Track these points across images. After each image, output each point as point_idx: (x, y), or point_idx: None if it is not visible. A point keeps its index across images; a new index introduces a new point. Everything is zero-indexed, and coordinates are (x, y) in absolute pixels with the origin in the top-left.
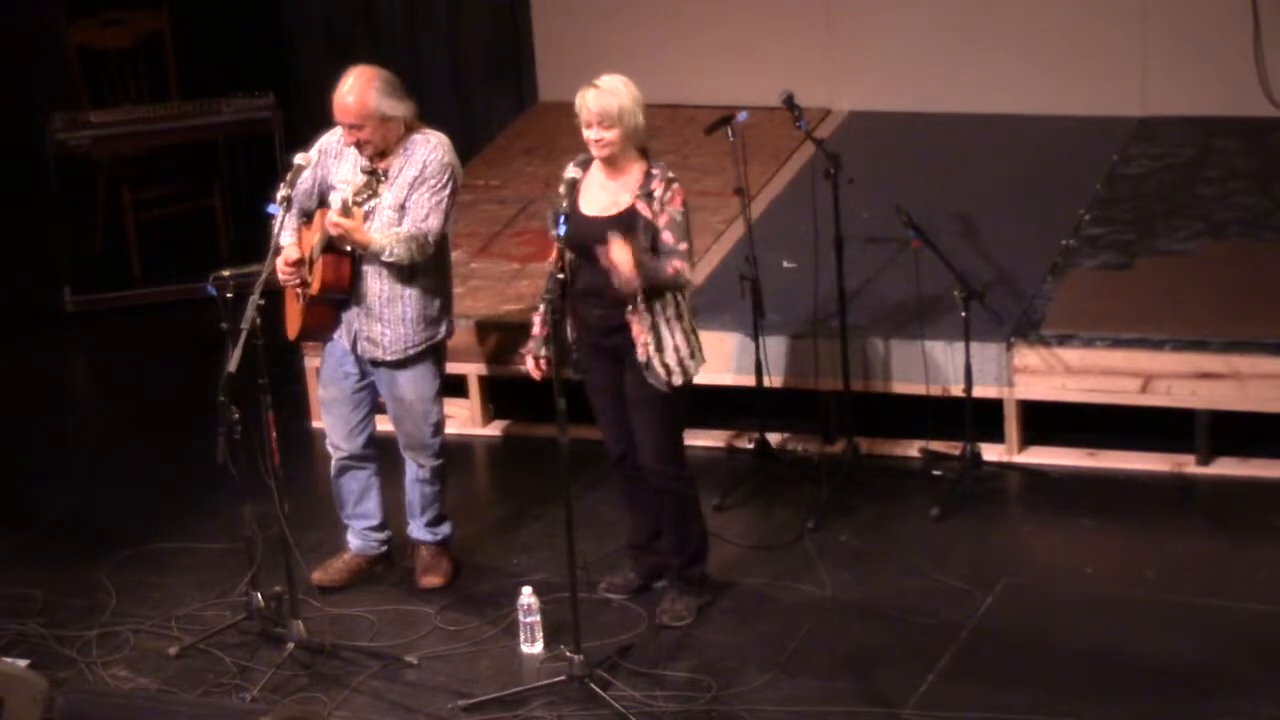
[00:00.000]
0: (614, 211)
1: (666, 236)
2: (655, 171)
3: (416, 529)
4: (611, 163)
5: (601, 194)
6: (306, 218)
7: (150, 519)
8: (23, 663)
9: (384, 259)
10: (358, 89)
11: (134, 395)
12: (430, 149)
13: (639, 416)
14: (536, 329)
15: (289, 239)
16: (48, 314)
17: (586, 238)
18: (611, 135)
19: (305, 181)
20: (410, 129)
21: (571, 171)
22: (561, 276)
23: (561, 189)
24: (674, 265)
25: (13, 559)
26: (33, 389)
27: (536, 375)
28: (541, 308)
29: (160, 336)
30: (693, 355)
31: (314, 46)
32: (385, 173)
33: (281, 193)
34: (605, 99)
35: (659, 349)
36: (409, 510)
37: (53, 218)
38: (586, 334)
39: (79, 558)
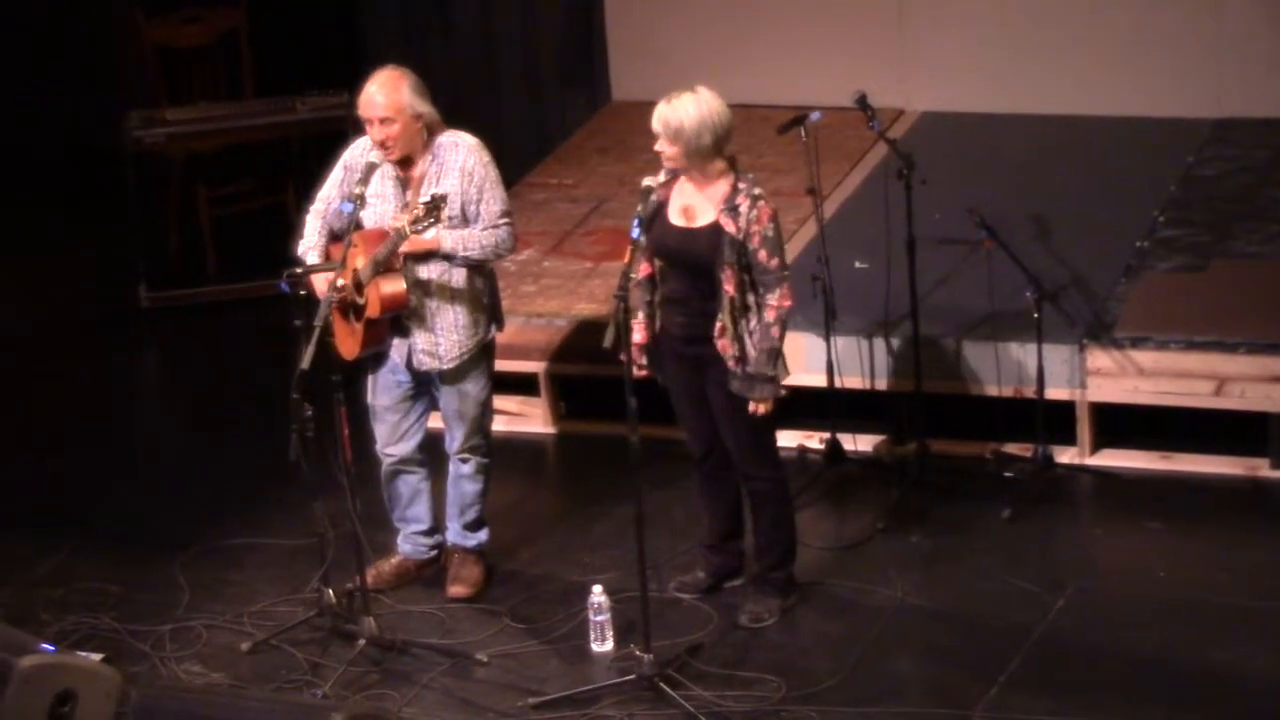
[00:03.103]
0: (700, 224)
1: (761, 255)
2: (741, 186)
3: (452, 532)
4: (694, 174)
5: (689, 205)
6: (333, 234)
7: (223, 515)
8: (96, 657)
9: (465, 255)
10: (388, 84)
11: (208, 391)
12: (464, 154)
13: (727, 428)
14: (637, 336)
15: (315, 258)
16: (123, 311)
17: (671, 247)
18: (672, 151)
19: (334, 200)
20: (433, 133)
21: (650, 179)
22: (634, 275)
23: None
24: (771, 307)
25: (88, 554)
26: (108, 386)
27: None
28: (640, 313)
29: (234, 333)
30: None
31: (389, 45)
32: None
33: (356, 190)
34: (667, 115)
35: (742, 360)
36: (448, 512)
37: (128, 215)
38: (669, 341)
39: (153, 553)
